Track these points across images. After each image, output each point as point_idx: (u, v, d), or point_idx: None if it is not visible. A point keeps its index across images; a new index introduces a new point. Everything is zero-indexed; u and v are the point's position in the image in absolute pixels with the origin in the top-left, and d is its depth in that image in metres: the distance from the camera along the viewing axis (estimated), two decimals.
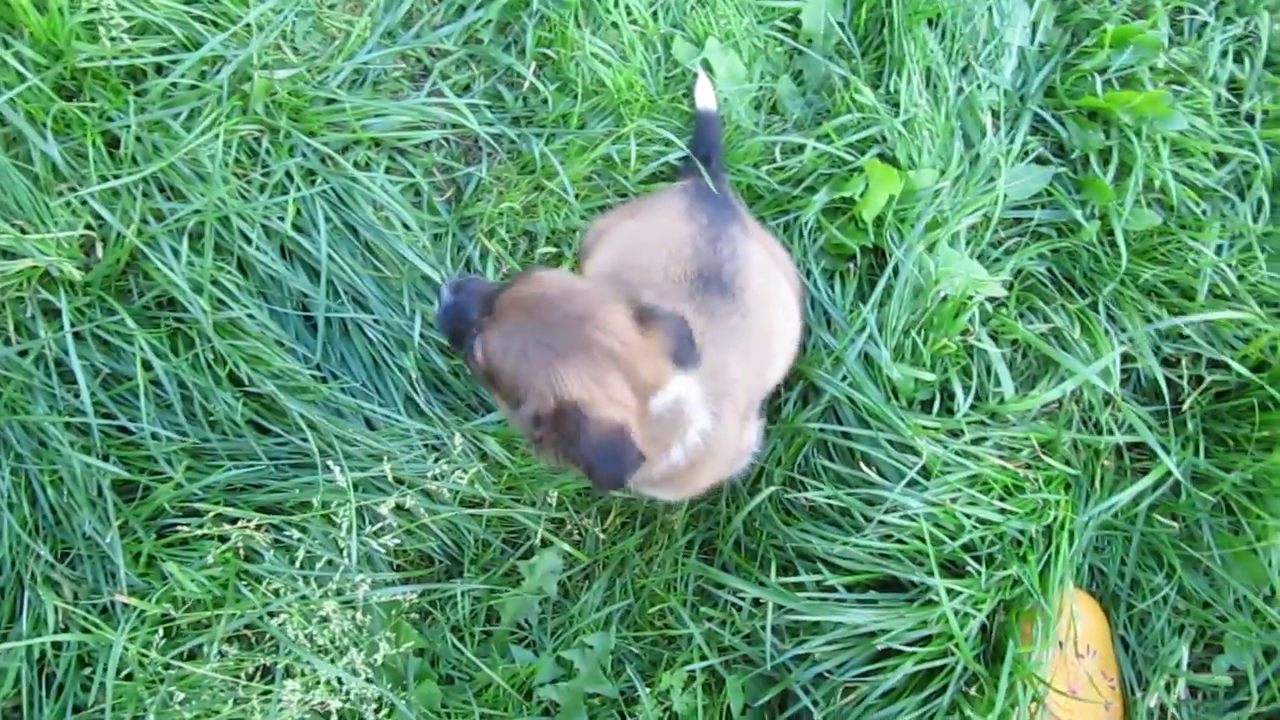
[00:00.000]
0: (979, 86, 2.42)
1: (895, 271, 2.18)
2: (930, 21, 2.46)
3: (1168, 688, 2.16)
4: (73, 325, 2.01)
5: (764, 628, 2.07)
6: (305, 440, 2.04)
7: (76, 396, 2.05)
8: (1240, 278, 2.27)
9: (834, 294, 2.24)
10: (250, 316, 2.12)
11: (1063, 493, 2.21)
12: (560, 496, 2.17)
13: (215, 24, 2.25)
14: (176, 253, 2.08)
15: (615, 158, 2.29)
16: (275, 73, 2.24)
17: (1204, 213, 2.37)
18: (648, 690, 2.07)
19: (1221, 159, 2.44)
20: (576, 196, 2.28)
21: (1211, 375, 2.25)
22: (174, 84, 2.17)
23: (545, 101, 2.35)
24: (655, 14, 2.42)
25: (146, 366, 2.05)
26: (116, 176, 2.05)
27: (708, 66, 2.39)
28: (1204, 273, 2.25)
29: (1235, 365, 2.19)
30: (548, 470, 2.19)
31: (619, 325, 1.51)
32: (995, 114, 2.44)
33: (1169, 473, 2.18)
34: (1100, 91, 2.40)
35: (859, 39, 2.43)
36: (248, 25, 2.25)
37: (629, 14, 2.41)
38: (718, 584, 2.13)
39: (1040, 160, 2.44)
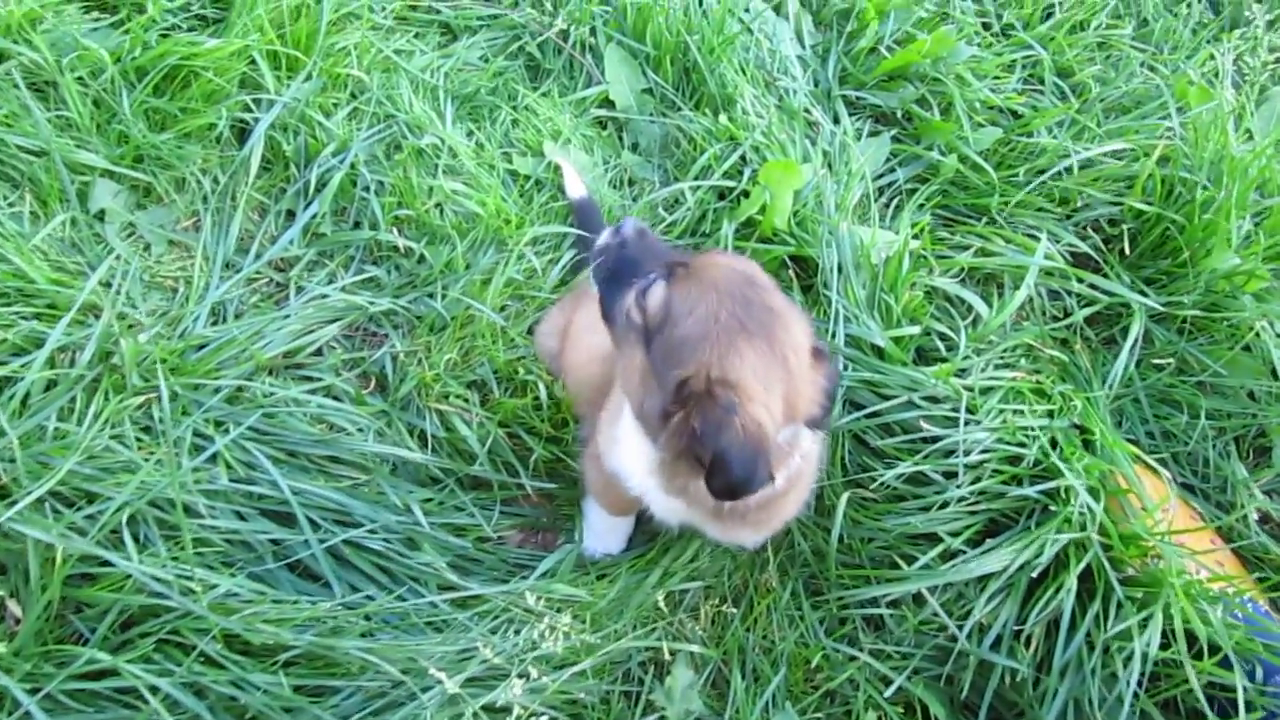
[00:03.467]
0: (788, 94, 3.22)
1: (830, 261, 2.69)
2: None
3: (1252, 496, 2.83)
4: (31, 695, 2.06)
5: (923, 625, 2.40)
6: (373, 680, 2.19)
7: None
8: (1086, 147, 3.06)
9: None
10: (234, 594, 2.30)
11: (1067, 383, 2.90)
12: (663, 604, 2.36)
13: (40, 317, 2.51)
14: (126, 557, 2.23)
15: (519, 277, 2.74)
16: (138, 336, 2.52)
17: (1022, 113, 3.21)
18: None
19: (1004, 69, 3.32)
20: (506, 323, 2.62)
21: (1115, 230, 3.00)
22: (28, 393, 2.38)
23: (421, 259, 2.70)
24: (480, 144, 2.94)
25: (154, 691, 2.12)
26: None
27: (558, 165, 2.90)
28: (1064, 148, 3.03)
29: (1136, 203, 2.92)
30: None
31: (801, 341, 1.74)
32: (816, 111, 3.17)
33: (1141, 327, 2.79)
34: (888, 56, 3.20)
35: (675, 91, 3.08)
36: (83, 308, 2.53)
37: (454, 155, 2.96)
38: (842, 612, 2.46)
39: (873, 133, 3.17)
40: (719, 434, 1.62)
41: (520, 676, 2.11)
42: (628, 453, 2.06)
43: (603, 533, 2.49)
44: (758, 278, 1.77)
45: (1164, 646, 2.22)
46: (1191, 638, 2.23)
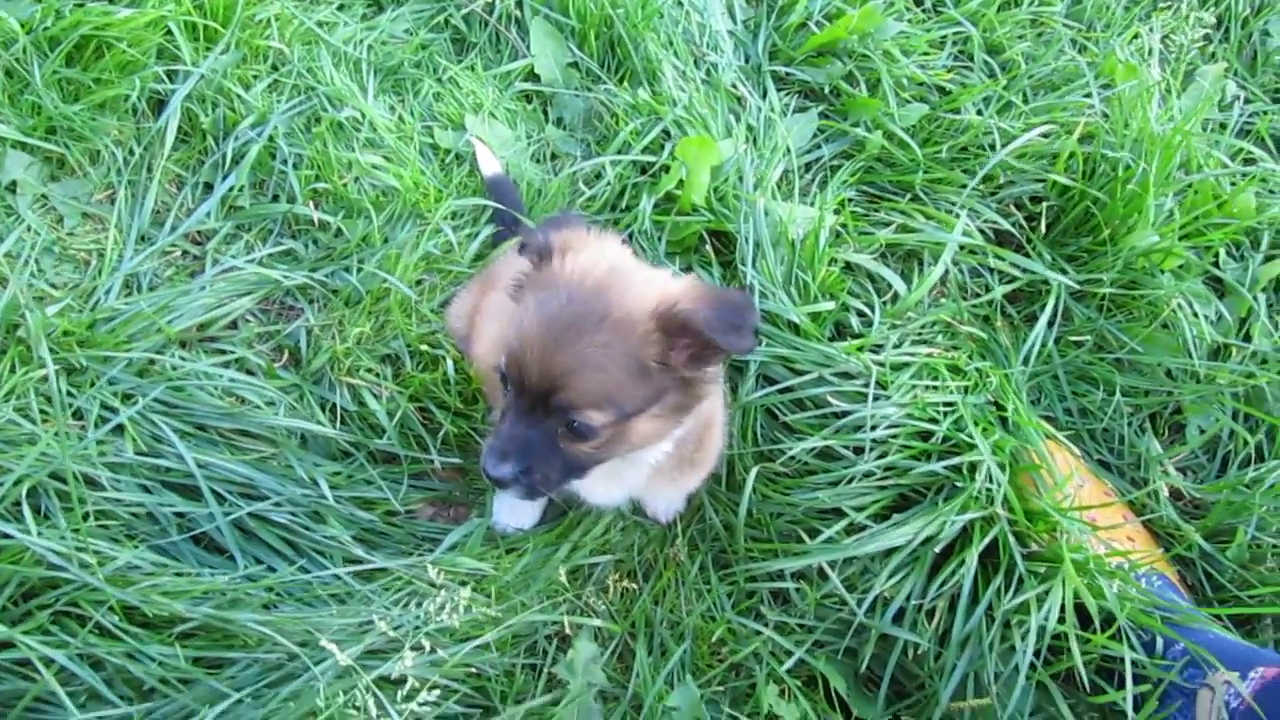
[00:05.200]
0: (715, 68, 3.14)
1: (747, 237, 2.69)
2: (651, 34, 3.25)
3: (1165, 473, 2.85)
4: None
5: (824, 599, 2.42)
6: (270, 652, 2.13)
7: None
8: (1010, 125, 3.06)
9: (707, 281, 2.85)
10: (134, 566, 2.29)
11: (986, 360, 2.89)
12: (565, 579, 2.36)
13: None
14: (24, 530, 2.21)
15: (437, 251, 2.73)
16: (46, 309, 2.49)
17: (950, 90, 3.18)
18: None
19: (933, 46, 3.30)
20: (420, 298, 2.62)
21: (1037, 208, 2.97)
22: None
23: (338, 233, 2.67)
24: (401, 117, 2.90)
25: (48, 664, 2.11)
26: None
27: (478, 140, 2.89)
28: (987, 125, 3.00)
29: (1059, 179, 2.91)
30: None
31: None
32: (743, 87, 3.10)
33: (1059, 303, 2.79)
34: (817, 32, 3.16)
35: (599, 66, 3.06)
36: None
37: (374, 128, 2.90)
38: (749, 585, 2.44)
39: (800, 108, 3.15)
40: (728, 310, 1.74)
41: (414, 649, 2.10)
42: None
43: (514, 507, 2.49)
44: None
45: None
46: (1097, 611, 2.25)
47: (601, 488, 2.18)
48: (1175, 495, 2.71)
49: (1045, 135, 3.01)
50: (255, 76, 2.83)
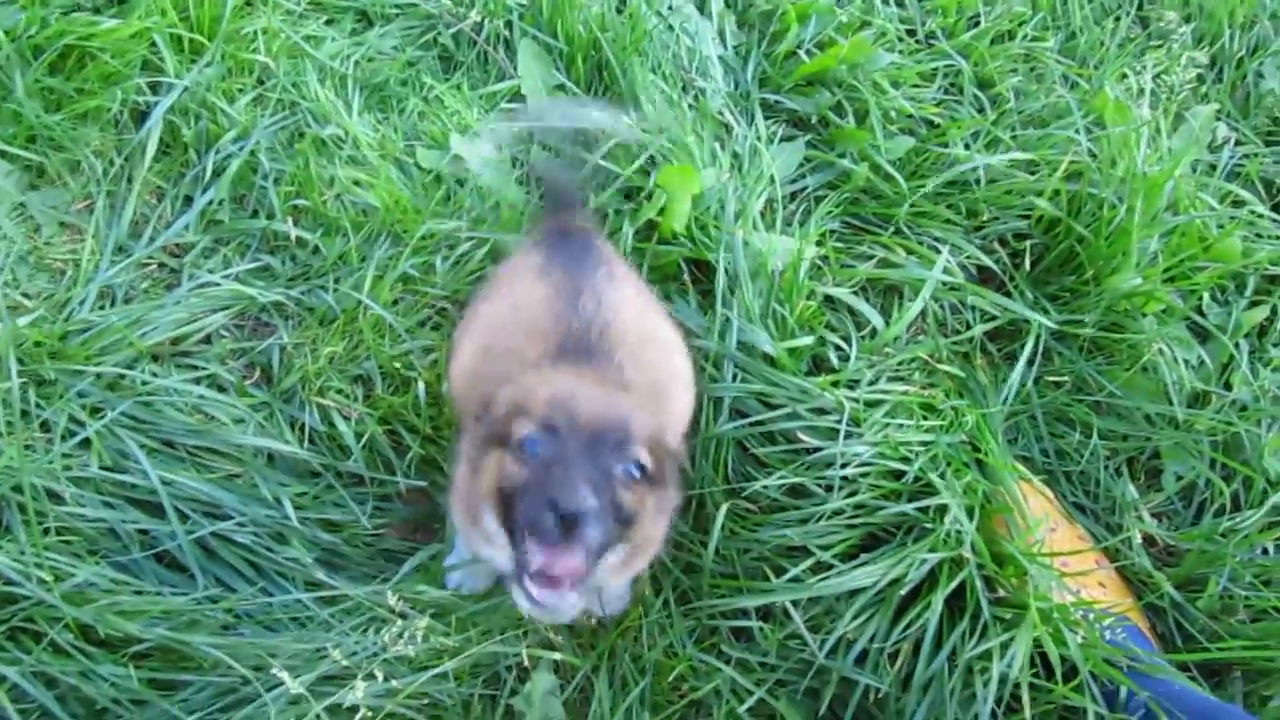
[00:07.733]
0: (703, 94, 3.14)
1: (726, 268, 2.67)
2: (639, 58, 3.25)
3: (1140, 519, 2.82)
4: None
5: (787, 638, 2.42)
6: (225, 675, 2.12)
7: None
8: (996, 161, 3.05)
9: (684, 310, 2.78)
10: (91, 584, 2.28)
11: (963, 399, 2.88)
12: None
13: None
14: None
15: (414, 272, 2.71)
16: (17, 320, 2.48)
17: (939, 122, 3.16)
18: None
19: (924, 78, 3.29)
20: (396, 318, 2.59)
21: (1021, 245, 2.96)
22: None
23: (316, 250, 2.67)
24: (385, 136, 2.90)
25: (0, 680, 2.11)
26: None
27: (460, 160, 2.86)
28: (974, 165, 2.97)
29: (1042, 205, 2.91)
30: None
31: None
32: (730, 114, 3.14)
33: (1039, 343, 2.77)
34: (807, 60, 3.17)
35: (585, 90, 3.08)
36: None
37: (357, 145, 2.92)
38: (712, 622, 2.40)
39: (787, 137, 3.17)
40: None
41: (366, 679, 2.07)
42: None
43: (470, 568, 2.40)
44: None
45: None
46: (1062, 660, 2.22)
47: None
48: (1149, 542, 2.68)
49: (1031, 171, 2.99)
50: (240, 90, 2.81)
